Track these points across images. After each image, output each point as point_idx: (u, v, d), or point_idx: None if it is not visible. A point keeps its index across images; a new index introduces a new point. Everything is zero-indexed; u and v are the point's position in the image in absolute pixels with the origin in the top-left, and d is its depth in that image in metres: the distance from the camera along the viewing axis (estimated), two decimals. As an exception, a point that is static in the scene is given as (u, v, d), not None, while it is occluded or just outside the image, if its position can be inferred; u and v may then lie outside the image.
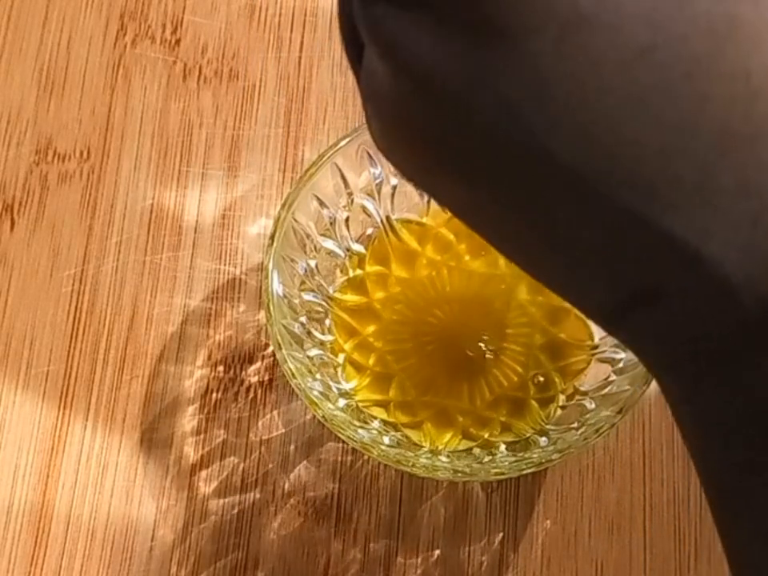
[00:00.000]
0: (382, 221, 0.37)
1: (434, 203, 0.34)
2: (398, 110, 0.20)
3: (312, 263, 0.36)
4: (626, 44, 0.17)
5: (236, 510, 0.37)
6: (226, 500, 0.37)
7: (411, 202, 0.37)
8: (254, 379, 0.39)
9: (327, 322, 0.37)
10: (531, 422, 0.35)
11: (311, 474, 0.38)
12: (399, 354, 0.37)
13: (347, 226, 0.37)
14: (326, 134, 0.42)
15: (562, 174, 0.18)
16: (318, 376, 0.34)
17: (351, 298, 0.37)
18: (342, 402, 0.35)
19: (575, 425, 0.34)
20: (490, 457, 0.34)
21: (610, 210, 0.18)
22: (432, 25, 0.18)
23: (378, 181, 0.36)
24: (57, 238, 0.41)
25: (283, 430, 0.38)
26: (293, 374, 0.33)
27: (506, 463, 0.33)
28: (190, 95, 0.43)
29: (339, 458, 0.38)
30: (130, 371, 0.39)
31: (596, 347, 0.36)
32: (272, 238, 0.34)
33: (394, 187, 0.36)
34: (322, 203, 0.35)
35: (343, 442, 0.36)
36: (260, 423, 0.38)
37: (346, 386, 0.36)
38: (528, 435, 0.35)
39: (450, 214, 0.22)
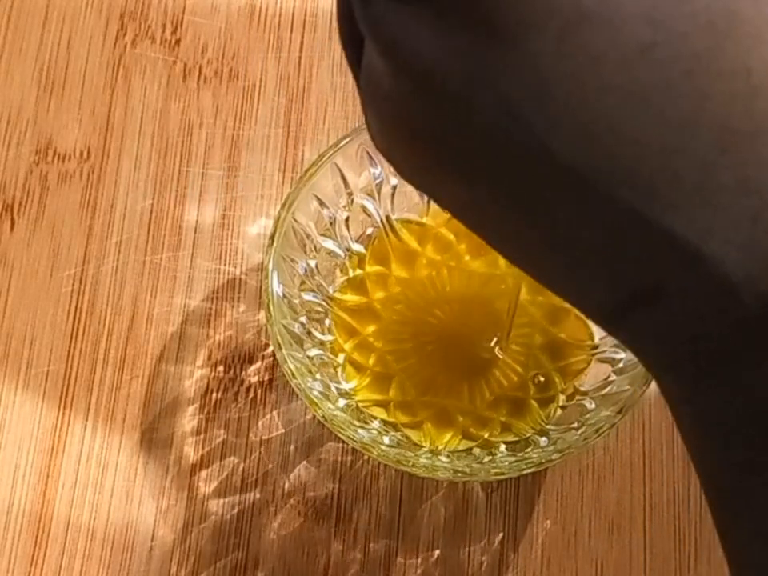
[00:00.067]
0: (381, 221, 0.37)
1: (434, 203, 0.34)
2: (398, 110, 0.20)
3: (312, 263, 0.36)
4: (627, 42, 0.17)
5: (236, 510, 0.37)
6: (226, 500, 0.37)
7: (411, 202, 0.37)
8: (254, 379, 0.39)
9: (327, 321, 0.37)
10: (531, 421, 0.35)
11: (311, 474, 0.38)
12: (399, 353, 0.37)
13: (347, 226, 0.37)
14: (326, 134, 0.42)
15: (562, 174, 0.18)
16: (318, 376, 0.34)
17: (351, 298, 0.37)
18: (341, 402, 0.35)
19: (575, 425, 0.34)
20: (490, 457, 0.34)
21: (610, 210, 0.18)
22: (432, 23, 0.18)
23: (377, 181, 0.36)
24: (57, 238, 0.41)
25: (283, 430, 0.38)
26: (293, 374, 0.33)
27: (506, 463, 0.33)
28: (190, 95, 0.43)
29: (339, 458, 0.38)
30: (130, 371, 0.39)
31: (596, 347, 0.36)
32: (272, 238, 0.34)
33: (394, 187, 0.36)
34: (322, 203, 0.35)
35: (343, 442, 0.36)
36: (260, 423, 0.38)
37: (346, 386, 0.36)
38: (528, 435, 0.35)
39: (449, 214, 0.22)
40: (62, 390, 0.39)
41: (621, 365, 0.34)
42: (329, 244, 0.36)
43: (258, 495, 0.37)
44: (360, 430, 0.33)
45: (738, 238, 0.17)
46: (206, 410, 0.38)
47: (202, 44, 0.43)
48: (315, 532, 0.37)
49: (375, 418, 0.35)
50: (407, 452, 0.33)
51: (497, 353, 0.36)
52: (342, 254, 0.37)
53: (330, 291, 0.37)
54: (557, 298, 0.22)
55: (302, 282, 0.35)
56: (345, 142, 0.34)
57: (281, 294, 0.34)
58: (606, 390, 0.34)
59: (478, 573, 0.36)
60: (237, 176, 0.41)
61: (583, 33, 0.17)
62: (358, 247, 0.37)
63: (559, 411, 0.36)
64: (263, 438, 0.38)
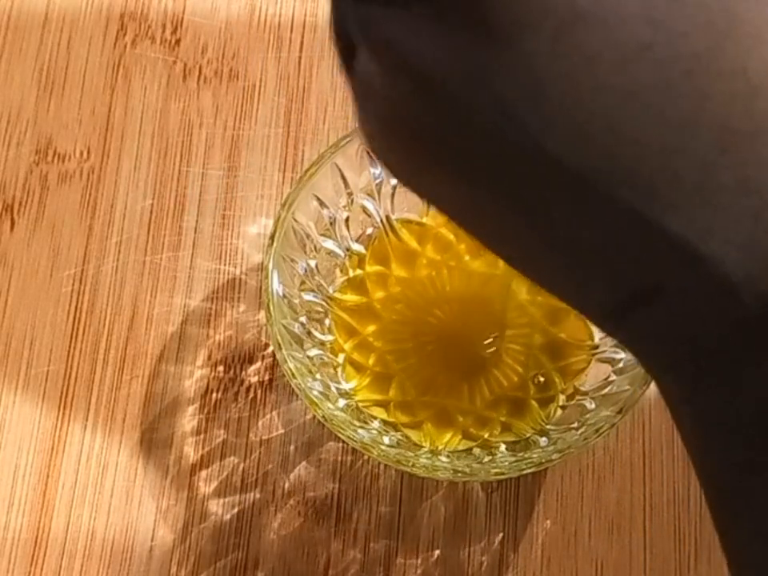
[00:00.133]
0: (381, 221, 0.37)
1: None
2: (397, 110, 0.19)
3: (312, 263, 0.36)
4: (626, 42, 0.17)
5: (236, 510, 0.37)
6: (226, 500, 0.37)
7: (411, 202, 0.37)
8: (254, 379, 0.39)
9: (327, 321, 0.37)
10: (531, 421, 0.35)
11: (311, 474, 0.38)
12: (399, 353, 0.37)
13: (347, 226, 0.37)
14: (326, 134, 0.42)
15: (559, 174, 0.18)
16: (318, 376, 0.34)
17: (351, 297, 0.37)
18: (341, 402, 0.35)
19: (575, 425, 0.34)
20: (490, 457, 0.34)
21: (609, 210, 0.18)
22: (430, 23, 0.18)
23: (377, 181, 0.36)
24: (57, 238, 0.41)
25: (283, 430, 0.38)
26: (293, 374, 0.33)
27: (506, 463, 0.33)
28: (190, 95, 0.43)
29: (339, 458, 0.38)
30: (130, 371, 0.39)
31: (596, 347, 0.36)
32: (272, 238, 0.34)
33: (394, 187, 0.36)
34: (322, 203, 0.35)
35: (343, 441, 0.36)
36: (260, 423, 0.38)
37: (346, 386, 0.36)
38: (528, 435, 0.35)
39: (446, 216, 0.21)
40: (62, 390, 0.39)
41: (621, 365, 0.34)
42: (329, 244, 0.36)
43: (257, 495, 0.37)
44: (360, 430, 0.33)
45: (738, 237, 0.17)
46: (206, 410, 0.38)
47: (201, 44, 0.43)
48: (315, 532, 0.37)
49: (375, 418, 0.35)
50: (407, 452, 0.33)
51: (489, 352, 0.36)
52: (342, 254, 0.37)
53: (330, 291, 0.37)
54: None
55: (302, 282, 0.35)
56: (345, 142, 0.34)
57: (281, 294, 0.34)
58: (606, 390, 0.34)
59: (478, 573, 0.36)
60: (237, 176, 0.41)
61: (578, 32, 0.17)
62: (357, 247, 0.37)
63: (559, 411, 0.36)
64: (263, 438, 0.38)
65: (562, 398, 0.36)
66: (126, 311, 0.40)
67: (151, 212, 0.41)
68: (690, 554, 0.36)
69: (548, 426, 0.35)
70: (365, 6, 0.19)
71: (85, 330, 0.40)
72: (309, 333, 0.35)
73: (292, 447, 0.38)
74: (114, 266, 0.40)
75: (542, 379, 0.36)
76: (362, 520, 0.37)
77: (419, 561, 0.37)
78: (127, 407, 0.39)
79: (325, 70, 0.43)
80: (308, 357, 0.34)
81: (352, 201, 0.36)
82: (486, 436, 0.35)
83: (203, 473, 0.38)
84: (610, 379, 0.34)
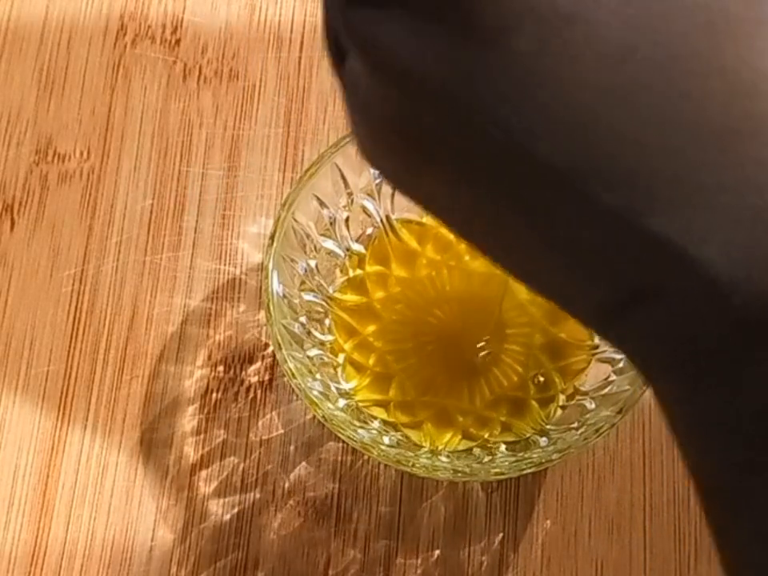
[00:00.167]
0: (381, 221, 0.37)
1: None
2: (388, 112, 0.19)
3: (312, 263, 0.36)
4: (626, 42, 0.17)
5: (236, 510, 0.37)
6: (226, 500, 0.37)
7: (411, 202, 0.37)
8: (254, 379, 0.39)
9: (327, 321, 0.37)
10: (531, 421, 0.35)
11: (311, 474, 0.38)
12: (399, 354, 0.37)
13: (347, 226, 0.37)
14: (326, 134, 0.42)
15: (554, 175, 0.18)
16: (318, 376, 0.34)
17: (351, 297, 0.37)
18: (341, 402, 0.35)
19: (575, 425, 0.34)
20: (490, 457, 0.34)
21: (608, 211, 0.18)
22: (417, 25, 0.18)
23: (377, 180, 0.36)
24: (57, 238, 0.41)
25: (283, 430, 0.38)
26: (293, 374, 0.33)
27: (506, 463, 0.33)
28: (190, 95, 0.43)
29: (339, 458, 0.38)
30: (130, 371, 0.39)
31: (596, 347, 0.36)
32: (272, 237, 0.34)
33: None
34: (322, 203, 0.35)
35: (343, 441, 0.36)
36: (260, 423, 0.38)
37: (346, 386, 0.36)
38: (528, 435, 0.35)
39: (441, 221, 0.21)
40: (62, 390, 0.39)
41: (621, 365, 0.34)
42: (329, 244, 0.36)
43: (258, 495, 0.37)
44: (360, 430, 0.33)
45: (737, 238, 0.17)
46: (205, 410, 0.38)
47: (201, 44, 0.43)
48: (315, 532, 0.37)
49: (375, 418, 0.35)
50: (407, 452, 0.33)
51: (486, 354, 0.36)
52: (342, 254, 0.37)
53: (330, 291, 0.37)
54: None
55: (302, 282, 0.35)
56: (345, 141, 0.34)
57: (281, 294, 0.34)
58: (606, 390, 0.34)
59: (478, 573, 0.36)
60: (237, 176, 0.41)
61: (563, 33, 0.17)
62: (357, 247, 0.37)
63: (559, 411, 0.36)
64: (263, 437, 0.38)
65: (561, 398, 0.36)
66: (126, 311, 0.40)
67: (151, 212, 0.41)
68: (690, 554, 0.36)
69: (548, 426, 0.35)
70: (352, 9, 0.19)
71: (85, 330, 0.40)
72: (309, 333, 0.35)
73: (292, 447, 0.38)
74: (114, 266, 0.40)
75: (541, 379, 0.36)
76: (362, 520, 0.37)
77: (419, 561, 0.37)
78: (127, 407, 0.39)
79: (325, 70, 0.43)
80: (308, 357, 0.34)
81: (352, 201, 0.36)
82: (485, 436, 0.35)
83: (203, 473, 0.38)
84: (610, 379, 0.34)
